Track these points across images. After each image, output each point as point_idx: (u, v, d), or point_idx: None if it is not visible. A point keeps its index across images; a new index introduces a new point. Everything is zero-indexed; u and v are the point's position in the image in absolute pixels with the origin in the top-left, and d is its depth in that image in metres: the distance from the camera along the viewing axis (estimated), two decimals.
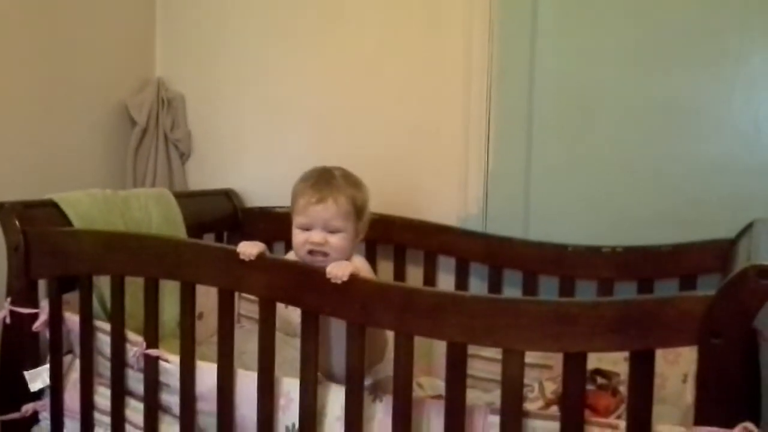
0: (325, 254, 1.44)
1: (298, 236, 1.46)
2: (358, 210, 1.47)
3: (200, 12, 2.44)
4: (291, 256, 1.53)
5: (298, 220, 1.47)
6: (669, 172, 1.86)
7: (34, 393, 1.65)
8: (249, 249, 1.37)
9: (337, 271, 1.26)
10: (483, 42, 2.02)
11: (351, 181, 1.49)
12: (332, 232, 1.44)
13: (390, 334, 1.35)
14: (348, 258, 1.46)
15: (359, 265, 1.44)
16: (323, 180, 1.46)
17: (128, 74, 2.41)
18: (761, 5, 1.76)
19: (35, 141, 2.06)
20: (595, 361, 1.60)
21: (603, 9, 1.91)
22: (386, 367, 1.47)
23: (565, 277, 1.86)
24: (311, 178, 1.49)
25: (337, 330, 1.38)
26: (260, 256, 1.36)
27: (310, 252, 1.45)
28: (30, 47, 2.03)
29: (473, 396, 1.66)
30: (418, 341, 1.24)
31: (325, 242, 1.43)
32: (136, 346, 1.52)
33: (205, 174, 2.44)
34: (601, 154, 1.93)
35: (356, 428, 1.28)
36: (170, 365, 1.50)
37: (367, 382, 1.35)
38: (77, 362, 1.63)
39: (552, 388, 1.63)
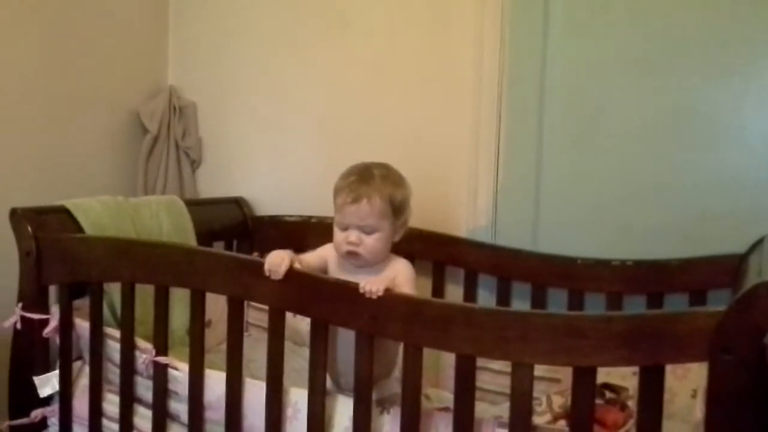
0: (359, 254, 1.43)
1: (337, 235, 1.47)
2: (395, 208, 1.46)
3: (212, 21, 2.46)
4: (326, 249, 1.53)
5: (336, 218, 1.47)
6: (679, 185, 1.86)
7: (44, 399, 1.66)
8: (276, 266, 1.34)
9: (372, 286, 1.25)
10: (494, 52, 2.02)
11: (391, 180, 1.47)
12: (368, 232, 1.43)
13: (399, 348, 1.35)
14: (385, 258, 1.47)
15: (403, 272, 1.45)
16: (361, 179, 1.45)
17: (140, 82, 2.43)
18: None
19: (48, 148, 2.08)
20: (603, 375, 1.59)
21: (614, 20, 1.92)
22: (392, 385, 1.47)
23: (574, 290, 1.86)
24: (350, 175, 1.47)
25: (344, 339, 1.38)
26: (289, 272, 1.34)
27: (348, 252, 1.45)
28: (43, 55, 2.05)
29: (481, 408, 1.65)
30: (426, 352, 1.24)
31: (360, 242, 1.43)
32: (145, 353, 1.53)
33: (216, 182, 2.45)
34: (611, 166, 1.93)
35: None
36: (179, 373, 1.50)
37: (373, 397, 1.35)
38: (86, 368, 1.64)
39: (560, 401, 1.62)
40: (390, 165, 1.52)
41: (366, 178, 1.45)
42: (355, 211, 1.42)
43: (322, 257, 1.54)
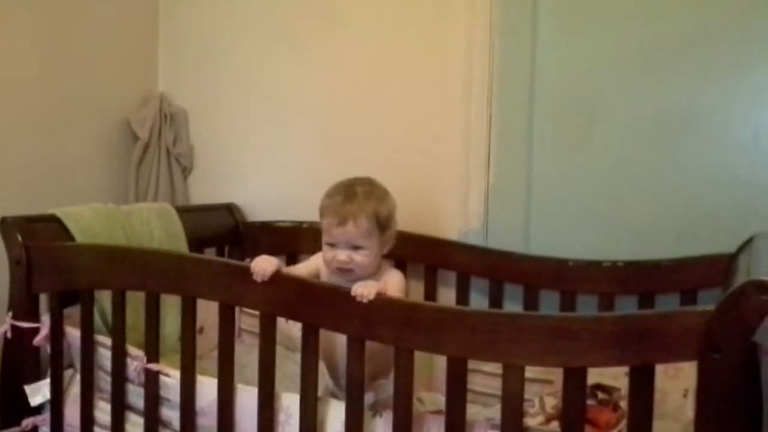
0: (351, 270, 1.46)
1: (326, 252, 1.50)
2: (381, 225, 1.48)
3: (203, 28, 2.46)
4: (318, 259, 1.55)
5: (324, 237, 1.50)
6: (670, 185, 1.86)
7: (35, 407, 1.65)
8: (262, 269, 1.35)
9: (363, 290, 1.26)
10: (483, 52, 2.02)
11: (375, 196, 1.50)
12: (356, 248, 1.46)
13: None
14: (377, 270, 1.49)
15: (392, 282, 1.47)
16: (345, 199, 1.48)
17: (131, 89, 2.42)
18: (764, 17, 1.77)
19: (38, 155, 2.07)
20: (595, 376, 1.59)
21: (603, 20, 1.92)
22: (390, 386, 1.48)
23: (566, 292, 1.86)
24: (335, 195, 1.50)
25: (343, 342, 1.38)
26: (274, 276, 1.35)
27: (338, 269, 1.47)
28: (33, 62, 2.05)
29: (473, 411, 1.65)
30: (419, 355, 1.24)
31: (350, 260, 1.46)
32: (136, 360, 1.53)
33: (207, 188, 2.44)
34: (602, 167, 1.94)
35: None
36: (171, 380, 1.50)
37: (370, 399, 1.35)
38: (78, 377, 1.63)
39: (552, 403, 1.62)
40: (373, 180, 1.56)
41: (350, 197, 1.48)
42: (342, 233, 1.46)
43: (313, 266, 1.57)
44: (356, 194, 1.48)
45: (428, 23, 2.11)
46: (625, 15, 1.90)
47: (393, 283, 1.47)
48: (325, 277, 1.54)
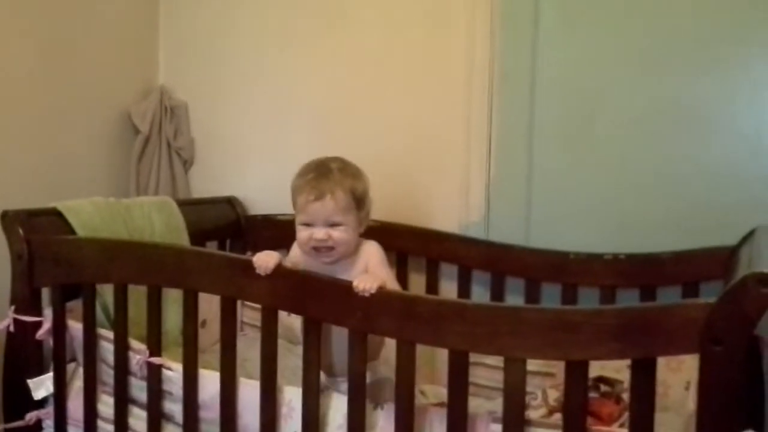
0: (331, 248, 1.44)
1: (301, 232, 1.46)
2: (357, 200, 1.46)
3: (203, 20, 2.45)
4: (295, 249, 1.54)
5: (299, 217, 1.47)
6: (671, 179, 1.86)
7: (38, 401, 1.66)
8: (265, 262, 1.35)
9: (365, 284, 1.25)
10: (485, 46, 2.02)
11: (349, 173, 1.47)
12: (334, 225, 1.44)
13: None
14: (355, 249, 1.48)
15: (374, 258, 1.47)
16: (320, 175, 1.45)
17: (131, 82, 2.42)
18: (765, 11, 1.76)
19: (39, 149, 2.07)
20: (598, 368, 1.59)
21: (605, 13, 1.91)
22: (382, 368, 1.48)
23: (568, 285, 1.86)
24: (308, 173, 1.47)
25: (337, 329, 1.38)
26: (277, 269, 1.35)
27: (315, 248, 1.45)
28: (33, 56, 2.04)
29: (476, 404, 1.65)
30: (421, 348, 1.24)
31: (329, 237, 1.43)
32: (139, 354, 1.53)
33: (208, 182, 2.44)
34: (604, 160, 1.93)
35: None
36: (173, 373, 1.50)
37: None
38: (81, 370, 1.64)
39: (555, 395, 1.63)
40: (344, 158, 1.52)
41: (324, 173, 1.45)
42: (320, 207, 1.42)
43: (294, 261, 1.53)
44: (331, 170, 1.46)
45: (430, 17, 2.10)
46: (627, 9, 1.89)
47: (374, 257, 1.47)
48: (302, 266, 1.50)
